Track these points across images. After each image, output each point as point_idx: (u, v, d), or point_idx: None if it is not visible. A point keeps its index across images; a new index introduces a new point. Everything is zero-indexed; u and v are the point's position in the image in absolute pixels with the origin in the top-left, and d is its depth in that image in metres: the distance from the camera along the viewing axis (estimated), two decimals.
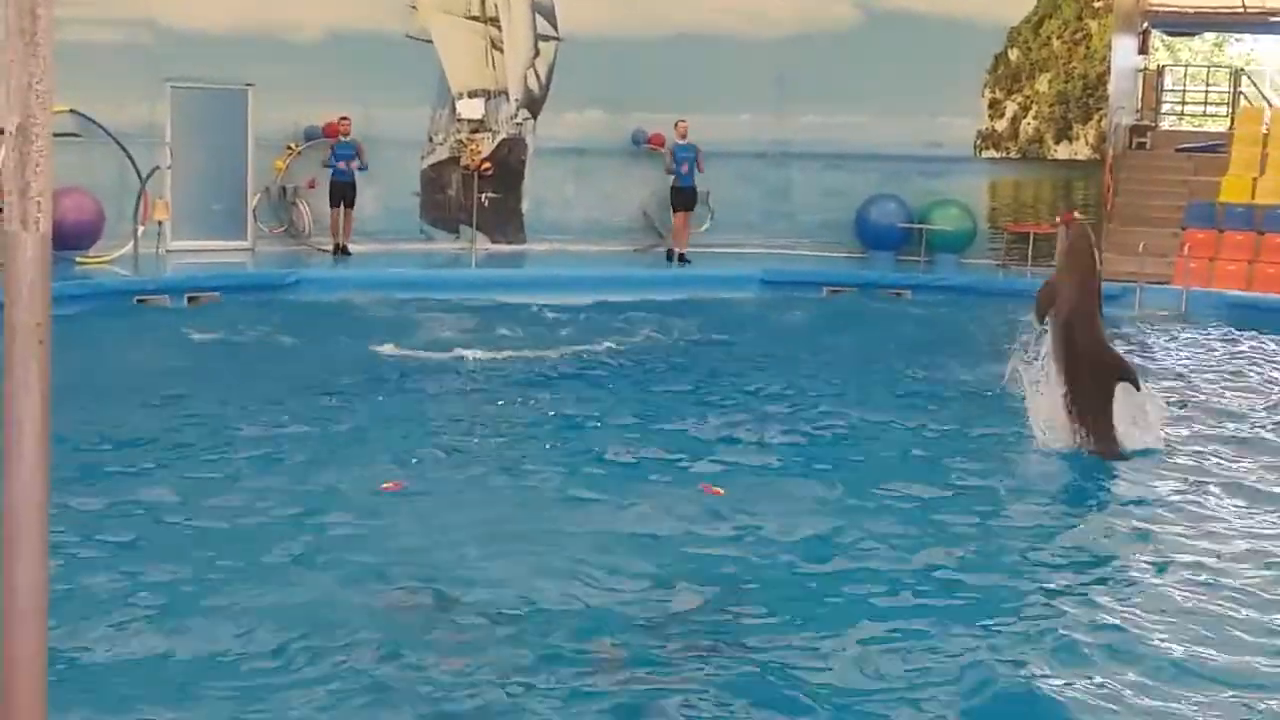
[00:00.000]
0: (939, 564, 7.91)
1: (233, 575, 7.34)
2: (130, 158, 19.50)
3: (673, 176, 22.22)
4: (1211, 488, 9.71)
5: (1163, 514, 9.16)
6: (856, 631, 6.81)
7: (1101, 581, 7.81)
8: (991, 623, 7.00)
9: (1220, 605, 7.30)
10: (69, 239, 18.11)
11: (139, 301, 17.42)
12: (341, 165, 21.06)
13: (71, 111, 18.47)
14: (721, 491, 9.13)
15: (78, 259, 18.77)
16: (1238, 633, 6.90)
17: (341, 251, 21.13)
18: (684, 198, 22.28)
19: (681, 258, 22.15)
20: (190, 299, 17.84)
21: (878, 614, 7.10)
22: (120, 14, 20.71)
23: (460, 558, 7.71)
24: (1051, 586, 7.71)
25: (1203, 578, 7.75)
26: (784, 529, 8.39)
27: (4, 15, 2.66)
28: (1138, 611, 7.16)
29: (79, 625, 6.45)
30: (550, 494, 9.17)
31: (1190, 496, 9.50)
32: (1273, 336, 17.29)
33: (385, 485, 9.10)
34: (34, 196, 2.68)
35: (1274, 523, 8.93)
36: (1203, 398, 13.40)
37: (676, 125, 22.14)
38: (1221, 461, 10.61)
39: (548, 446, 10.56)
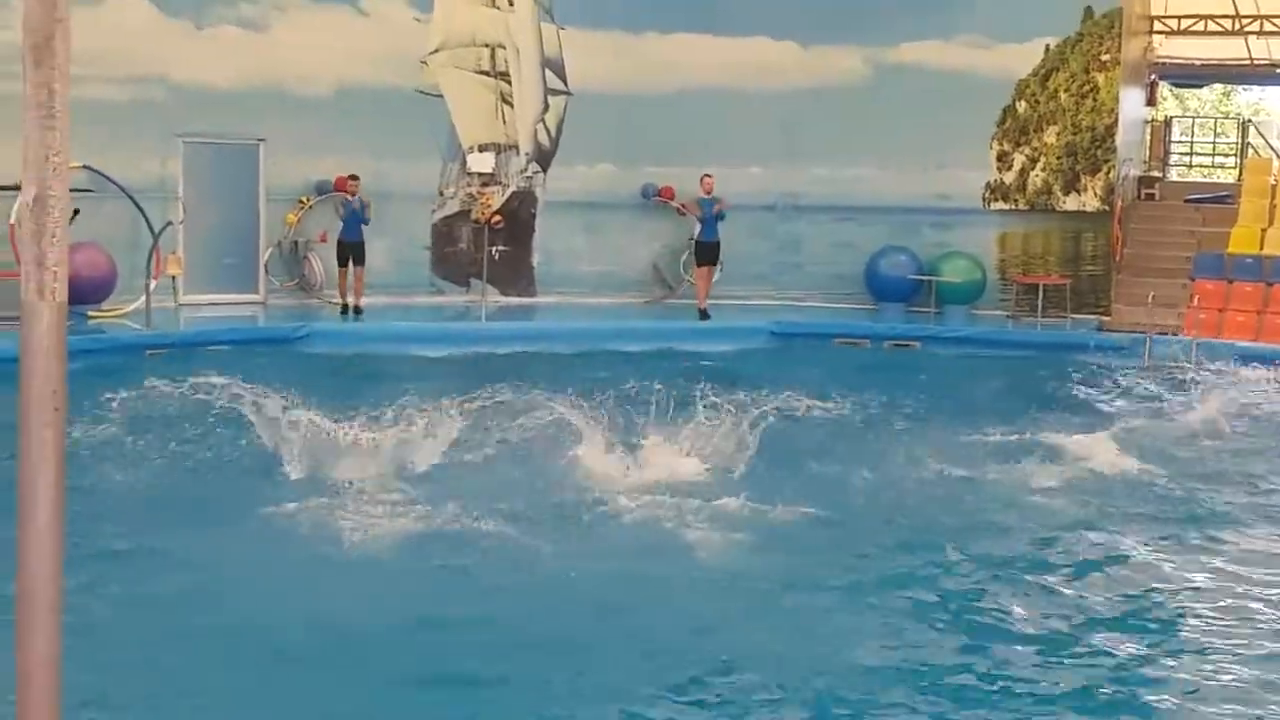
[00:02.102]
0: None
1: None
2: (143, 213, 19.59)
3: (697, 229, 21.96)
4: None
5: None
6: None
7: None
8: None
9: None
10: (82, 294, 18.20)
11: (150, 355, 17.46)
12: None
13: (85, 168, 18.57)
14: None
15: (90, 313, 18.85)
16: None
17: (354, 311, 20.79)
18: (707, 252, 21.85)
19: (704, 313, 21.70)
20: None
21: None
22: (133, 71, 20.86)
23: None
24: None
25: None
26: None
27: (22, 88, 2.70)
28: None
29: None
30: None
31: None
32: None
33: None
34: (50, 267, 2.72)
35: None
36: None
37: (702, 180, 21.74)
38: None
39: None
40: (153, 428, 11.86)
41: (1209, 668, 7.27)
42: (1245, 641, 7.70)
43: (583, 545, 9.22)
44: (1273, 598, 8.57)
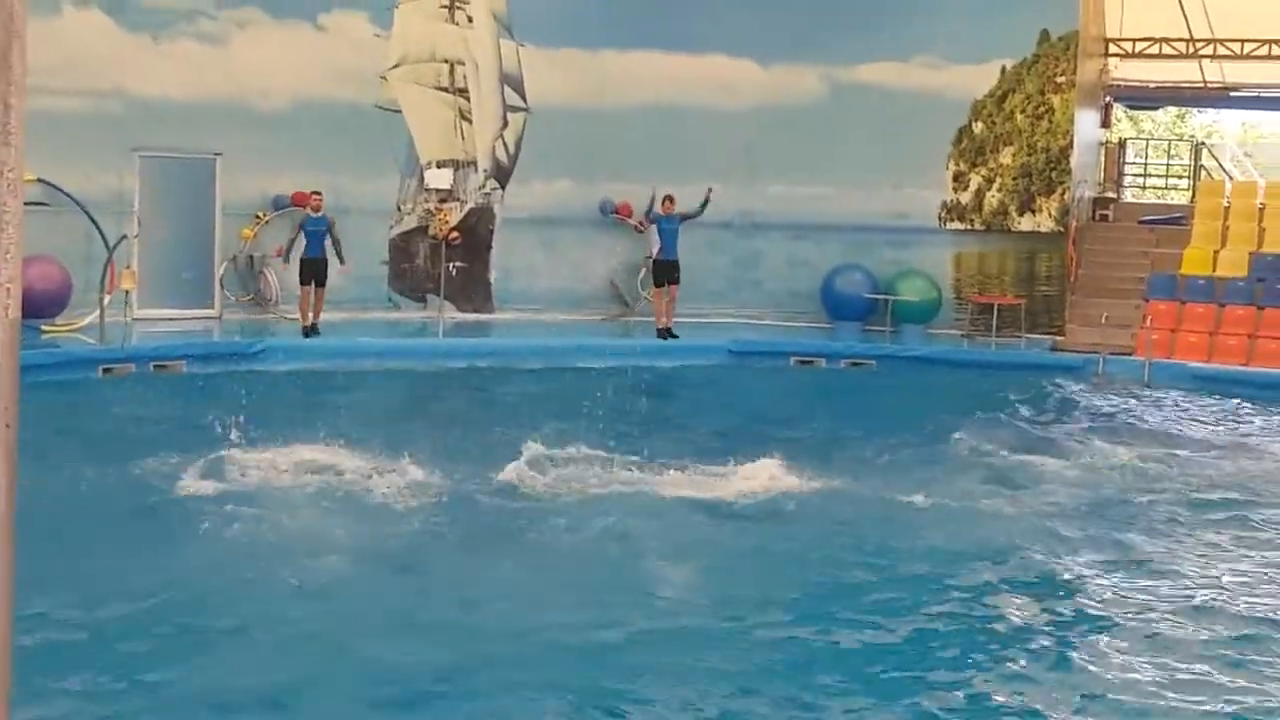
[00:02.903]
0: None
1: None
2: (97, 226, 19.43)
3: (655, 248, 21.72)
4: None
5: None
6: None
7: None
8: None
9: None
10: (35, 307, 18.07)
11: (105, 371, 17.35)
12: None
13: (39, 180, 18.45)
14: None
15: (43, 327, 18.70)
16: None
17: (312, 332, 20.18)
18: (666, 270, 21.61)
19: (666, 332, 21.49)
20: (156, 367, 17.82)
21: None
22: (89, 84, 20.75)
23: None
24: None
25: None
26: None
27: None
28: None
29: None
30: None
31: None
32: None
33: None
34: (4, 284, 2.70)
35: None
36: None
37: (663, 202, 21.46)
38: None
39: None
40: None
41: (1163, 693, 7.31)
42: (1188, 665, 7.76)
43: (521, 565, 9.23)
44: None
